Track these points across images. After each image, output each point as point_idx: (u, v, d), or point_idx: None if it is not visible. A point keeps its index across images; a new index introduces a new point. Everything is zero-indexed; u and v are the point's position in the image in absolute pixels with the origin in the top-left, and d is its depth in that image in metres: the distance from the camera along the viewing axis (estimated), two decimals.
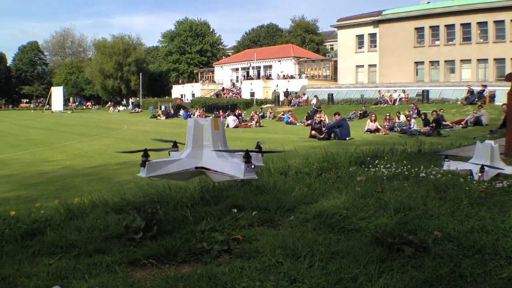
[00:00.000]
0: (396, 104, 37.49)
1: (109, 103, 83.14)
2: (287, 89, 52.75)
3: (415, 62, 49.67)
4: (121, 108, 71.56)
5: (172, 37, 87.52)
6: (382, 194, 5.43)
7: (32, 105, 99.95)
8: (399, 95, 39.23)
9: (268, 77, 64.27)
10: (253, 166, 4.77)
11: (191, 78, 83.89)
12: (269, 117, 39.32)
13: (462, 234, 3.97)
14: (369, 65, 54.03)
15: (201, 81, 75.21)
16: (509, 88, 10.89)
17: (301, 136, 20.40)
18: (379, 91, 42.43)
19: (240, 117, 32.80)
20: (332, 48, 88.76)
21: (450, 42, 47.22)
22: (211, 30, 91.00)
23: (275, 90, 55.02)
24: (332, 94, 45.29)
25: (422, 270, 3.19)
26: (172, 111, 50.01)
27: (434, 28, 48.04)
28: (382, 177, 6.52)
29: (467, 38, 46.04)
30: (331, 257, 3.44)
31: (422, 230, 4.14)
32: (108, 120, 42.60)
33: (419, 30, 49.07)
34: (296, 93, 51.19)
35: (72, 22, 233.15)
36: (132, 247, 3.74)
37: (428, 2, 51.51)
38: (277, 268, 3.24)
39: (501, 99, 29.28)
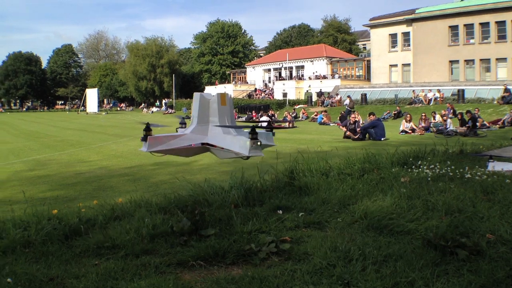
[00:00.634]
0: (431, 104, 36.82)
1: (143, 104, 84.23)
2: (320, 89, 52.35)
3: (450, 61, 48.75)
4: (154, 109, 72.31)
5: (204, 39, 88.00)
6: (428, 195, 5.25)
7: (67, 107, 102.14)
8: (434, 94, 38.48)
9: (301, 78, 64.00)
10: (259, 143, 4.59)
11: (223, 79, 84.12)
12: (302, 117, 39.05)
13: None
14: (402, 64, 53.28)
15: (234, 82, 75.38)
16: None
17: (335, 137, 20.17)
18: (413, 90, 41.65)
19: (273, 117, 32.65)
20: (364, 48, 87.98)
21: (485, 41, 46.14)
22: (242, 31, 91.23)
23: (307, 91, 54.72)
24: (365, 94, 44.76)
25: (478, 274, 3.09)
26: None
27: (469, 26, 47.04)
28: (426, 178, 6.34)
29: (502, 36, 44.95)
30: (383, 260, 3.34)
31: (474, 232, 4.00)
32: (142, 121, 42.81)
33: (453, 28, 48.10)
34: (328, 93, 50.80)
35: (105, 25, 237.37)
36: (179, 248, 3.69)
37: (462, 0, 50.49)
38: (329, 271, 3.15)
39: None
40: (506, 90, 33.19)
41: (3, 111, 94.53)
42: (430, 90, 39.68)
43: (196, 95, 5.85)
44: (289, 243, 3.75)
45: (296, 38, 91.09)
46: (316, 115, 36.20)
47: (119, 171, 11.03)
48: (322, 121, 32.59)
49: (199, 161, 12.42)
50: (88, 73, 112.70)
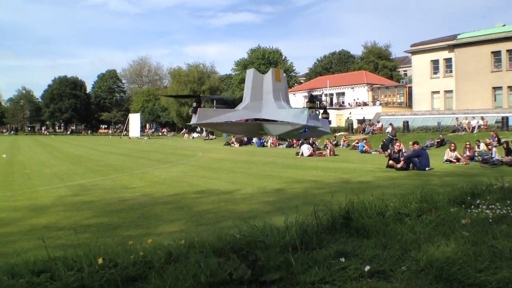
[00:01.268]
0: (474, 132, 35.90)
1: (184, 129, 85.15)
2: (363, 117, 51.88)
3: (493, 88, 47.78)
4: (195, 134, 72.98)
5: (245, 65, 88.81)
6: (494, 240, 4.95)
7: (110, 131, 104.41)
8: (478, 122, 37.51)
9: (341, 105, 63.73)
10: (318, 112, 4.41)
11: None
12: (342, 145, 38.66)
13: None
14: (445, 91, 52.49)
15: None
16: None
17: (378, 166, 19.81)
18: (456, 118, 40.78)
19: (314, 145, 32.38)
20: (405, 74, 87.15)
21: None
22: (283, 57, 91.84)
23: (348, 118, 54.34)
24: (407, 122, 44.03)
25: None
26: (245, 139, 50.24)
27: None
28: (488, 220, 6.02)
29: None
30: None
31: None
32: (183, 147, 43.41)
33: (496, 54, 47.26)
34: (370, 120, 50.29)
35: (148, 51, 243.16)
36: None
37: (504, 25, 49.52)
38: None
39: None
40: None
41: (47, 133, 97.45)
42: (474, 118, 38.80)
43: (250, 71, 5.75)
44: None
45: (336, 64, 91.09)
46: (357, 143, 35.78)
47: (162, 199, 11.05)
48: (364, 149, 32.15)
49: (241, 190, 12.36)
50: (131, 98, 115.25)
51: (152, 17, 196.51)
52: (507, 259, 4.30)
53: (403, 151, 19.89)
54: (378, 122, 47.71)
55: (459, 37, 50.70)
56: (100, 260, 4.05)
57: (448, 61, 51.91)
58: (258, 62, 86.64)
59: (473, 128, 36.80)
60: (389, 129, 36.21)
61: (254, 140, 48.96)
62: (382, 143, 32.46)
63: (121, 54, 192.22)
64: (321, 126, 5.72)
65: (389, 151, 20.13)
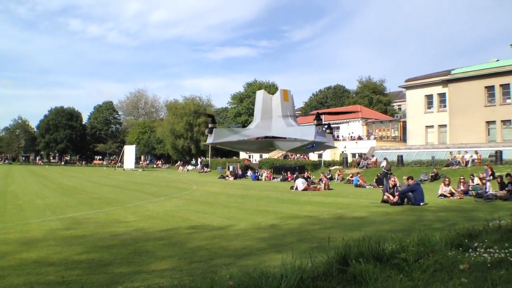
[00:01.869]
0: (468, 166, 36.03)
1: (179, 162, 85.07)
2: (363, 153, 51.99)
3: (487, 122, 48.04)
4: (190, 167, 72.94)
5: (241, 99, 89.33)
6: None
7: (104, 162, 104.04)
8: (471, 156, 37.70)
9: (336, 139, 63.90)
10: (324, 129, 4.63)
11: None
12: (337, 179, 38.71)
13: None
14: (439, 125, 52.78)
15: None
16: None
17: (372, 201, 19.80)
18: (450, 152, 41.00)
19: (308, 179, 32.40)
20: (400, 108, 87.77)
21: None
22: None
23: (343, 152, 54.46)
24: (401, 156, 44.14)
25: None
26: (240, 172, 50.25)
27: (505, 86, 46.60)
28: (486, 264, 5.95)
29: None
30: None
31: None
32: (177, 180, 43.29)
33: (489, 88, 47.69)
34: (364, 154, 50.41)
35: (145, 84, 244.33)
36: None
37: (497, 60, 50.23)
38: None
39: None
40: None
41: (42, 164, 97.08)
42: (467, 152, 39.03)
43: (259, 93, 6.10)
44: None
45: (331, 99, 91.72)
46: (351, 177, 35.83)
47: (155, 234, 10.96)
48: (358, 183, 32.20)
49: (235, 226, 12.29)
50: (127, 129, 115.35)
51: (150, 50, 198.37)
52: None
53: (398, 185, 19.91)
54: (373, 156, 47.82)
55: (452, 72, 51.27)
56: None
57: (442, 96, 52.35)
58: (254, 96, 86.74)
59: (467, 162, 36.93)
60: (384, 164, 36.26)
61: (249, 173, 48.96)
62: (376, 177, 32.51)
63: (118, 85, 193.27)
64: (327, 141, 6.04)
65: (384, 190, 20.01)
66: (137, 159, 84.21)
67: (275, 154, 64.49)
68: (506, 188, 19.85)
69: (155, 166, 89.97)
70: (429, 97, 53.82)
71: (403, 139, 57.82)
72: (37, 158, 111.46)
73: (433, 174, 33.73)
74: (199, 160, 78.16)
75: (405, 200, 18.27)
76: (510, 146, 40.27)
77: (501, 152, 36.82)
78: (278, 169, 49.91)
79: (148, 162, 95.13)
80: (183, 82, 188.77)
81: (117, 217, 14.52)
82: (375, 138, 58.39)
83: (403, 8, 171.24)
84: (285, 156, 63.00)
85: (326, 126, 6.63)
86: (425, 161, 42.24)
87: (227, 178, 46.42)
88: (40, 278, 6.75)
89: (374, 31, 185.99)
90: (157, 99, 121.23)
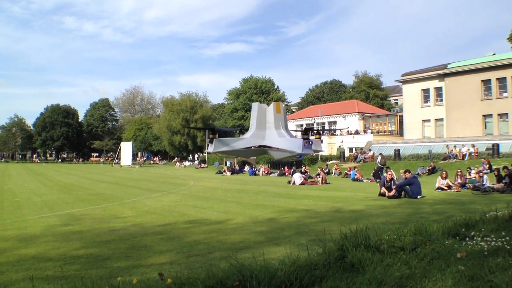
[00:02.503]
0: (465, 159, 36.13)
1: (176, 158, 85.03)
2: (361, 148, 52.07)
3: (483, 115, 48.17)
4: (187, 163, 72.83)
5: (237, 94, 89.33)
6: (490, 275, 4.90)
7: (101, 159, 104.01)
8: (468, 149, 37.80)
9: (333, 133, 63.98)
10: (310, 142, 5.11)
11: None
12: (334, 173, 38.75)
13: None
14: (435, 119, 52.86)
15: None
16: None
17: (369, 194, 19.85)
18: (447, 146, 41.13)
19: (306, 173, 32.43)
20: (396, 103, 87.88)
21: None
22: (275, 87, 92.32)
23: (340, 146, 54.50)
24: (398, 150, 44.24)
25: None
26: (237, 167, 50.21)
27: (501, 80, 46.78)
28: (483, 252, 5.98)
29: None
30: None
31: None
32: (175, 176, 43.27)
33: (486, 82, 47.83)
34: (361, 149, 50.49)
35: (141, 80, 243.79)
36: None
37: (494, 54, 50.33)
38: None
39: None
40: None
41: (39, 161, 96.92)
42: (464, 145, 39.12)
43: (255, 105, 6.71)
44: None
45: (328, 94, 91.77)
46: (349, 171, 35.88)
47: (152, 229, 10.96)
48: (355, 177, 32.24)
49: (233, 220, 12.30)
50: (123, 126, 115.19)
51: (145, 47, 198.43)
52: None
53: (395, 179, 19.95)
54: (370, 150, 47.88)
55: (449, 66, 51.34)
56: None
57: (438, 90, 52.42)
58: (250, 91, 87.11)
59: (464, 155, 37.02)
60: (379, 159, 36.33)
61: (246, 168, 48.95)
62: (373, 171, 32.56)
63: (114, 83, 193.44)
64: (313, 152, 6.59)
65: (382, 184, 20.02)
66: (134, 156, 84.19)
67: None
68: (503, 181, 19.90)
69: (152, 162, 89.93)
70: (426, 91, 53.89)
71: (400, 133, 57.93)
72: (34, 156, 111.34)
73: (430, 167, 33.80)
74: (196, 156, 78.14)
75: (402, 193, 18.33)
76: (507, 139, 40.42)
77: (498, 145, 36.92)
78: (275, 164, 49.89)
79: (145, 158, 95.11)
80: (179, 78, 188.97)
81: (114, 213, 14.51)
82: (372, 133, 58.49)
83: (399, 3, 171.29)
84: None
85: (315, 131, 7.15)
86: (422, 154, 42.39)
87: (224, 173, 46.38)
88: (39, 273, 6.75)
89: (370, 27, 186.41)
90: (153, 96, 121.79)
